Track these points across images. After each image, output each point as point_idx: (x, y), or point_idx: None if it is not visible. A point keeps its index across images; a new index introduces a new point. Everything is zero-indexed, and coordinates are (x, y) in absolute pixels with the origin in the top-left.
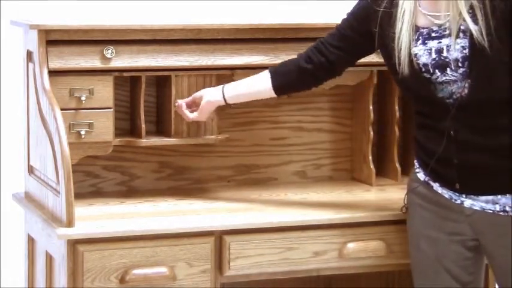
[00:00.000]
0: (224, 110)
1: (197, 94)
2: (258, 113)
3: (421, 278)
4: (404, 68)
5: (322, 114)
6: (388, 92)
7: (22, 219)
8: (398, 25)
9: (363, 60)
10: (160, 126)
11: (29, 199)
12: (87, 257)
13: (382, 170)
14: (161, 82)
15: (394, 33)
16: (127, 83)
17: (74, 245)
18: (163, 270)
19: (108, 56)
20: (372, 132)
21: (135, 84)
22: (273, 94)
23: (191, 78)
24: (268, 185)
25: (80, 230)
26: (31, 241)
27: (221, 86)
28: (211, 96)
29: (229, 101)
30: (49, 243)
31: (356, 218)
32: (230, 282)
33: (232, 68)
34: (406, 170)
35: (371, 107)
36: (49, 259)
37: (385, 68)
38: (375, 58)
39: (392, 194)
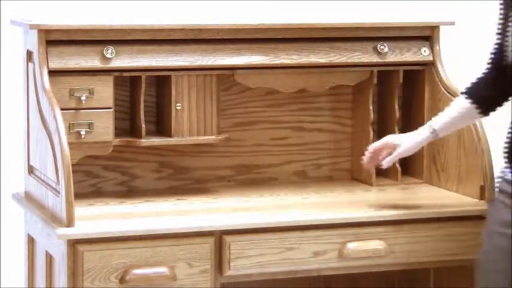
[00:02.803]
0: (224, 110)
1: (390, 141)
2: (258, 113)
3: (488, 276)
4: None
5: (322, 114)
6: (388, 92)
7: (22, 219)
8: None
9: (363, 60)
10: (160, 126)
11: (29, 199)
12: (87, 257)
13: (382, 170)
14: (161, 82)
15: None
16: (127, 83)
17: (74, 245)
18: (163, 270)
19: (108, 56)
20: (372, 132)
21: (135, 84)
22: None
23: (191, 78)
24: (268, 185)
25: (80, 230)
26: (31, 241)
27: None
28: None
29: (440, 134)
30: (49, 243)
31: (356, 218)
32: (230, 282)
33: (233, 68)
34: (406, 170)
35: (371, 107)
36: (49, 259)
37: (385, 68)
38: (375, 58)
39: (392, 194)
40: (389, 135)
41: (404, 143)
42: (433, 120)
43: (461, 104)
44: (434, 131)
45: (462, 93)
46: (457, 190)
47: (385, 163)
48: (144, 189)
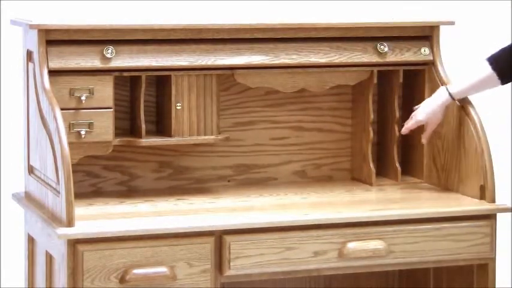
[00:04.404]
0: (224, 110)
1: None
2: (258, 113)
3: None
4: None
5: (322, 114)
6: (388, 92)
7: (22, 219)
8: None
9: (363, 60)
10: (160, 126)
11: (29, 199)
12: (87, 256)
13: (382, 170)
14: (161, 82)
15: None
16: (127, 83)
17: (74, 244)
18: (163, 270)
19: (108, 56)
20: (371, 132)
21: (135, 84)
22: (498, 84)
23: (191, 78)
24: (268, 185)
25: (80, 229)
26: (31, 241)
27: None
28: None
29: (457, 96)
30: (49, 243)
31: (356, 218)
32: (230, 282)
33: (232, 68)
34: (406, 170)
35: (371, 107)
36: (49, 259)
37: (385, 68)
38: (375, 58)
39: (392, 194)
40: (417, 113)
41: (431, 119)
42: (451, 84)
43: (482, 70)
44: (450, 96)
45: (486, 59)
46: (457, 190)
47: (424, 141)
48: (144, 189)
